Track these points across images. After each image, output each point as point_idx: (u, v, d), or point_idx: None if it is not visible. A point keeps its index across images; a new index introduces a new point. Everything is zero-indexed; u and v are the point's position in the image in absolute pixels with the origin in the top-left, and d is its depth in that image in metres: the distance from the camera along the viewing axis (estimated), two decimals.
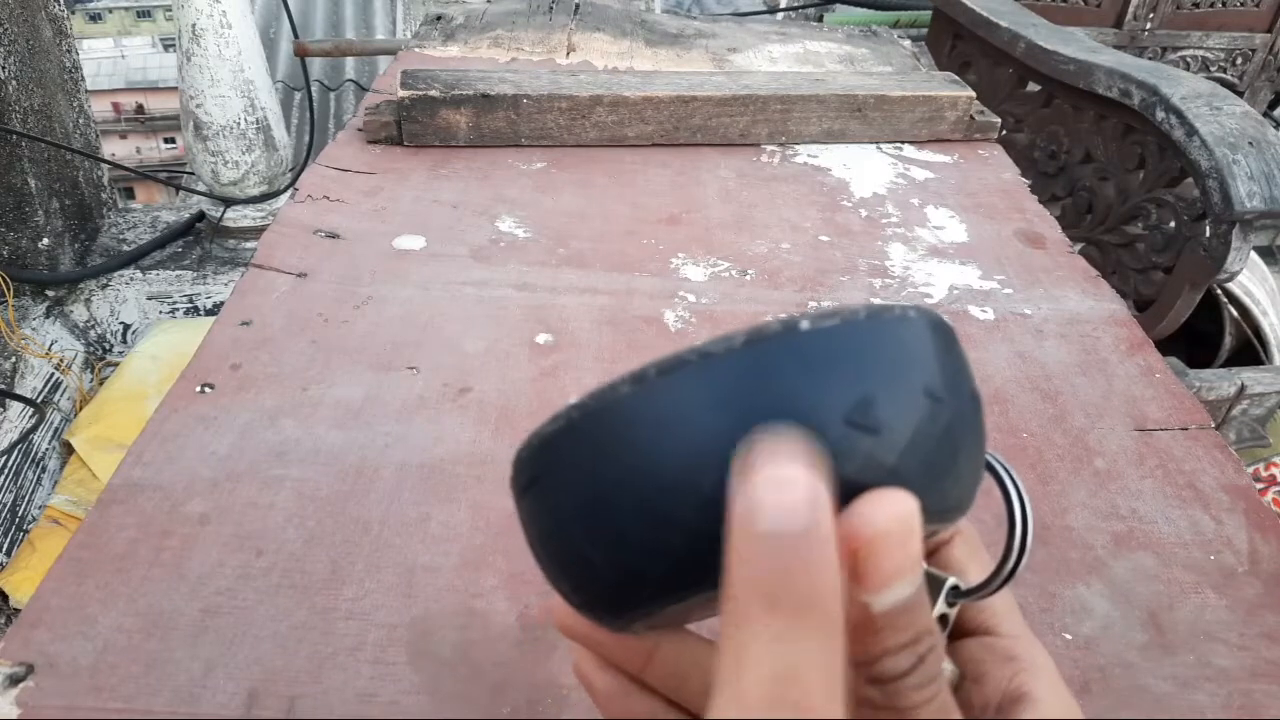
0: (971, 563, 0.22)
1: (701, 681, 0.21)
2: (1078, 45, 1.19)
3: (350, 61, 2.99)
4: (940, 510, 0.18)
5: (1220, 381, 1.12)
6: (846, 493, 0.15)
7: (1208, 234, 0.98)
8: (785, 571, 0.15)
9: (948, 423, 0.17)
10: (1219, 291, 1.42)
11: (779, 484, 0.15)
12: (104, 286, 1.56)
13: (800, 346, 0.16)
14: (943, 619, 0.21)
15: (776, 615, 0.15)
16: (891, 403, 0.16)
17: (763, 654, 0.15)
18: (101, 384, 1.46)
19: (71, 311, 1.53)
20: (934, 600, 0.21)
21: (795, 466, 0.15)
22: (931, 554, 0.23)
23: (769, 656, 0.15)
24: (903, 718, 0.17)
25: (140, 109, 11.27)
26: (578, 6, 1.07)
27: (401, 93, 0.71)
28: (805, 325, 0.16)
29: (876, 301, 0.19)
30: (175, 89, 1.56)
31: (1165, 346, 0.65)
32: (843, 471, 0.15)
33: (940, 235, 0.66)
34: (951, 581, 0.21)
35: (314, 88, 2.60)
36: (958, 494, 0.18)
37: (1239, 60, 1.73)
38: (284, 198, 1.61)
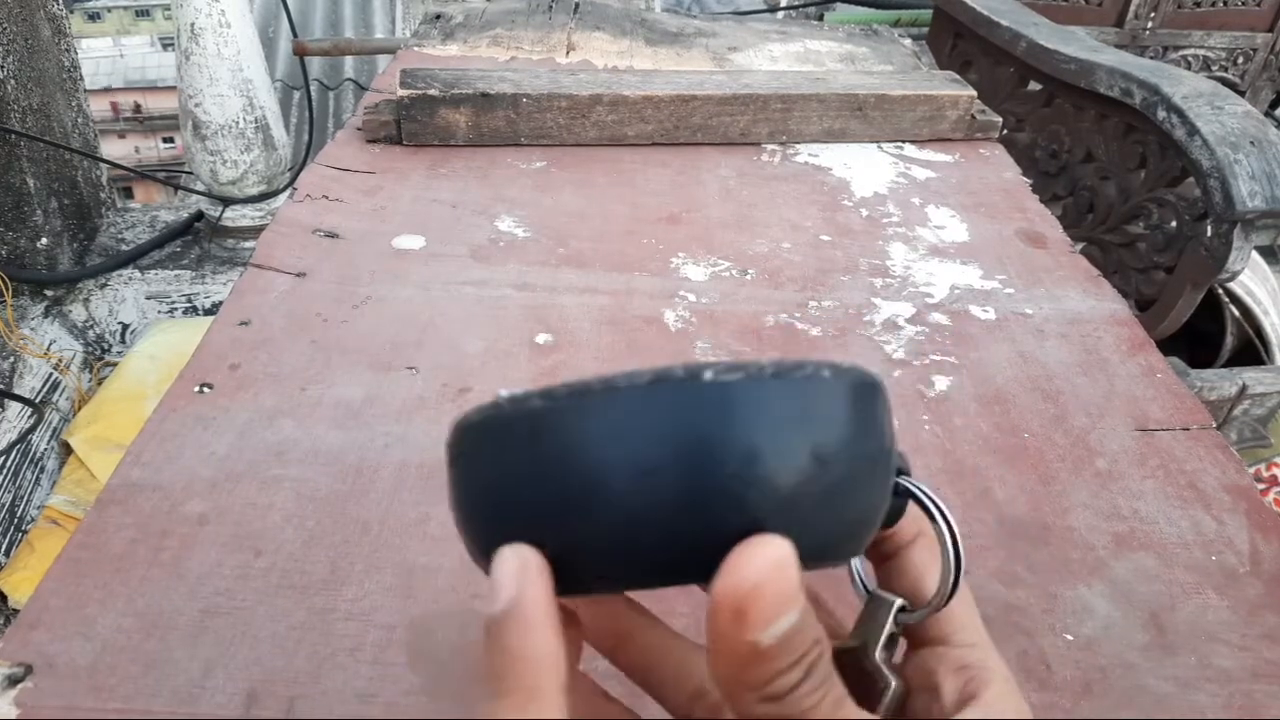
0: (933, 565, 0.23)
1: (669, 671, 0.23)
2: (1079, 44, 1.19)
3: (349, 60, 2.99)
4: (826, 554, 0.19)
5: (1222, 381, 1.12)
6: (731, 537, 0.17)
7: (1209, 233, 0.98)
8: (498, 658, 0.17)
9: (834, 481, 0.18)
10: (1220, 291, 1.42)
11: (495, 566, 0.18)
12: (102, 286, 1.56)
13: (699, 394, 0.17)
14: (891, 639, 0.22)
15: (502, 705, 0.17)
16: (778, 461, 0.17)
17: None
18: (100, 384, 1.46)
19: (70, 311, 1.53)
20: (884, 622, 0.22)
21: (505, 549, 0.18)
22: (893, 556, 0.24)
23: None
24: (802, 718, 0.17)
25: (138, 108, 11.27)
26: (577, 5, 1.07)
27: (401, 92, 0.71)
28: (708, 375, 0.17)
29: (798, 358, 0.20)
30: (174, 88, 1.56)
31: (1167, 346, 0.65)
32: (725, 519, 0.17)
33: (941, 235, 0.66)
34: (899, 604, 0.22)
35: (313, 87, 2.60)
36: (846, 542, 0.19)
37: (1240, 59, 1.73)
38: (283, 197, 1.61)
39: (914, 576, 0.23)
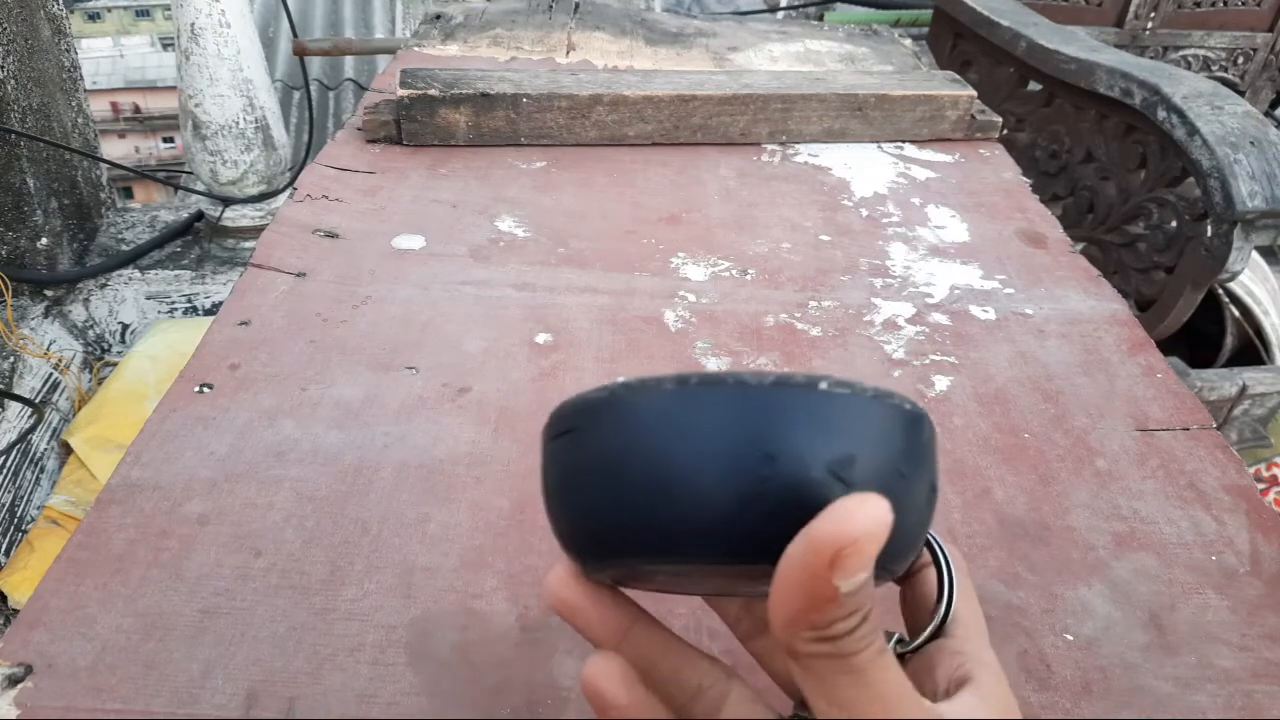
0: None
1: (668, 669, 0.24)
2: (1079, 44, 1.19)
3: (349, 60, 2.99)
4: (884, 568, 0.21)
5: (1222, 382, 1.12)
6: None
7: (1209, 234, 0.98)
8: None
9: (903, 499, 0.20)
10: (1220, 291, 1.42)
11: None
12: (102, 286, 1.56)
13: (814, 400, 0.19)
14: None
15: None
16: (868, 466, 0.20)
17: None
18: (100, 384, 1.46)
19: (70, 311, 1.52)
20: None
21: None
22: (913, 575, 0.26)
23: None
24: (850, 659, 0.19)
25: (138, 109, 11.28)
26: (577, 5, 1.07)
27: (401, 92, 0.71)
28: (823, 386, 0.20)
29: (881, 385, 0.22)
30: (174, 88, 1.56)
31: (1167, 346, 0.65)
32: (814, 509, 0.19)
33: (941, 235, 0.66)
34: (896, 637, 0.25)
35: (313, 87, 2.60)
36: (897, 559, 0.21)
37: (1240, 59, 1.73)
38: (283, 197, 1.61)
39: (926, 594, 0.25)
